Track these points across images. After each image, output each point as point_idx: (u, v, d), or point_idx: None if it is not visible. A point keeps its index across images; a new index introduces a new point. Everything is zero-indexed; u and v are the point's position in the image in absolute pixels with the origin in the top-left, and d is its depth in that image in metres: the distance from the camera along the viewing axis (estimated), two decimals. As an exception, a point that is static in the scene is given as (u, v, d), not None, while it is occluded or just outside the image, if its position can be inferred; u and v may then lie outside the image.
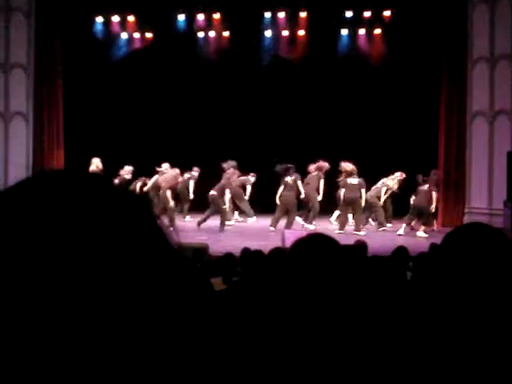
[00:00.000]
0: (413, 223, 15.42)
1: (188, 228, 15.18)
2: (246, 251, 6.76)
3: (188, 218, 16.97)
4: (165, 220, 15.58)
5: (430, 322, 1.68)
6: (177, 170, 15.30)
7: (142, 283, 0.72)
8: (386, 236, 14.20)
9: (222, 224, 15.22)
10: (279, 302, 1.71)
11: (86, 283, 0.70)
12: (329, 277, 1.55)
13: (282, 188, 15.42)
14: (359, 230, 14.65)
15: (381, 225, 15.47)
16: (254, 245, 8.04)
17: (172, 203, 14.88)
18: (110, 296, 0.71)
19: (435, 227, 15.30)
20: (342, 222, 15.16)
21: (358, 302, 1.69)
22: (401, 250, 7.60)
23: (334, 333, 1.62)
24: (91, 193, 0.75)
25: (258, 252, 5.98)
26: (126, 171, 15.91)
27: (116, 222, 0.73)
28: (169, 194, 14.73)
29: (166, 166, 16.08)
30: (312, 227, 15.09)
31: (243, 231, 15.11)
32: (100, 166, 15.87)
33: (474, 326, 1.56)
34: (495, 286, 1.55)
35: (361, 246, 8.69)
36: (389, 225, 15.72)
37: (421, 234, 14.57)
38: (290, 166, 15.58)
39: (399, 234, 14.62)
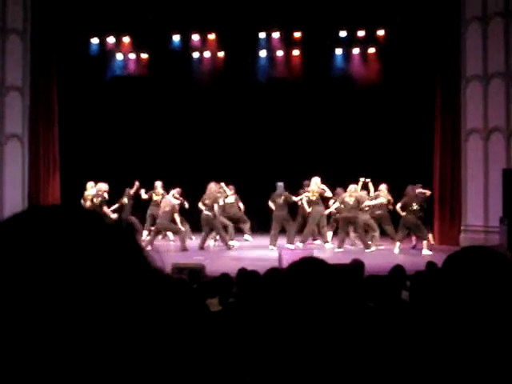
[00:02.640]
0: (413, 241, 15.47)
1: (190, 248, 15.24)
2: (242, 272, 6.74)
3: (193, 237, 16.84)
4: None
5: (426, 344, 1.67)
6: (173, 201, 15.49)
7: (122, 310, 0.75)
8: (384, 254, 14.18)
9: (224, 240, 15.32)
10: (272, 324, 1.70)
11: (69, 317, 0.72)
12: (319, 300, 1.55)
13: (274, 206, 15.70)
14: (368, 248, 14.91)
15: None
16: (251, 265, 8.02)
17: (180, 226, 15.51)
18: (94, 326, 0.73)
19: (431, 241, 15.34)
20: (341, 240, 15.28)
21: (350, 323, 1.69)
22: (397, 269, 7.59)
23: (327, 354, 1.61)
24: (78, 230, 0.78)
25: (254, 273, 5.96)
26: (102, 189, 15.78)
27: (100, 258, 0.76)
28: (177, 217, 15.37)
29: (158, 184, 16.21)
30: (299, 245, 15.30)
31: (241, 251, 15.08)
32: (105, 188, 15.78)
33: (472, 350, 1.55)
34: (495, 311, 1.55)
35: (357, 265, 8.68)
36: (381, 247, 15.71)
37: (426, 251, 14.41)
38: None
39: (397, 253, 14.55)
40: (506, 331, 1.50)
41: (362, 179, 16.10)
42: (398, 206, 15.15)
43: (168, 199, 15.52)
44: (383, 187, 16.10)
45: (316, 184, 15.71)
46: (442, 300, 1.56)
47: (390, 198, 15.98)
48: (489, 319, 1.51)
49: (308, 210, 15.72)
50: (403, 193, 15.23)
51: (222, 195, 16.19)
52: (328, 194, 15.84)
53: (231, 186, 16.89)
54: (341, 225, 15.54)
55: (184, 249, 14.89)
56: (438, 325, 1.62)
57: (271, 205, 15.87)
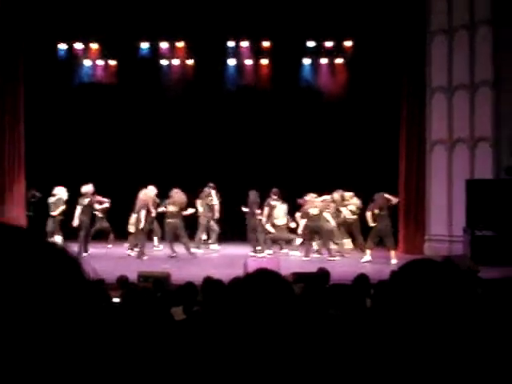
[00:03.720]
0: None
1: (158, 256, 15.23)
2: (207, 280, 6.76)
3: (161, 246, 16.80)
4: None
5: (380, 353, 1.73)
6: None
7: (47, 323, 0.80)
8: (351, 263, 14.23)
9: (188, 249, 15.29)
10: (232, 334, 1.74)
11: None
12: (268, 312, 1.61)
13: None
14: (333, 256, 15.04)
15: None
16: (218, 273, 8.03)
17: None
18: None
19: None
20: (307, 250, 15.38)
21: (303, 333, 1.74)
22: (361, 278, 7.68)
23: (286, 362, 1.66)
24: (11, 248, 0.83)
25: (219, 282, 5.99)
26: (61, 193, 15.72)
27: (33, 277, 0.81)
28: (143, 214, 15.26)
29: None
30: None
31: (208, 259, 15.09)
32: (64, 196, 15.73)
33: (420, 360, 1.61)
34: (439, 320, 1.61)
35: (323, 273, 8.76)
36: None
37: (394, 261, 14.30)
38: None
39: (365, 261, 14.58)
40: (449, 338, 1.57)
41: (335, 194, 16.33)
42: (368, 213, 15.18)
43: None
44: (350, 195, 16.40)
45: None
46: (391, 310, 1.62)
47: (358, 204, 16.24)
48: (433, 328, 1.57)
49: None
50: (370, 200, 15.34)
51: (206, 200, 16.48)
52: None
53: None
54: (306, 234, 15.64)
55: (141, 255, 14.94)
56: (389, 333, 1.68)
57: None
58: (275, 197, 16.34)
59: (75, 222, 15.09)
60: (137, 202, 15.51)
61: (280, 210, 16.37)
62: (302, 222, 15.67)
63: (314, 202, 15.58)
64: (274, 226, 16.32)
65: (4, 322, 0.77)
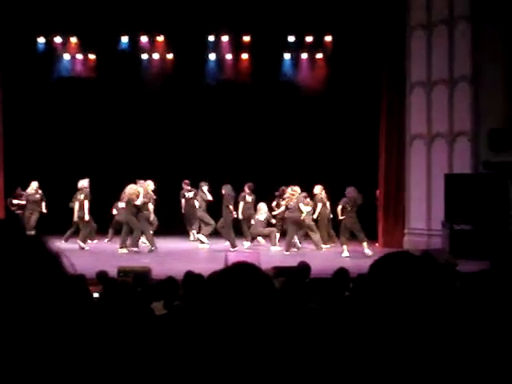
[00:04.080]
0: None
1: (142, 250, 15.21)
2: (188, 274, 6.76)
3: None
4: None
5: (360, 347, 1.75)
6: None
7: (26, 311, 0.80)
8: (329, 257, 14.35)
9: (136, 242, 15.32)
10: (213, 328, 1.75)
11: None
12: (247, 305, 1.62)
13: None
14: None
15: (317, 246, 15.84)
16: (199, 268, 8.02)
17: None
18: None
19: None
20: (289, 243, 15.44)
21: (287, 325, 1.75)
22: (341, 272, 7.73)
23: (265, 356, 1.67)
24: None
25: (199, 276, 6.00)
26: (34, 189, 15.86)
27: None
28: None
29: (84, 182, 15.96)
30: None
31: (189, 254, 15.06)
32: (35, 188, 15.86)
33: (397, 353, 1.63)
34: (416, 313, 1.63)
35: (304, 267, 8.80)
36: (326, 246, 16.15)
37: (368, 251, 14.69)
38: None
39: (346, 257, 14.68)
40: (428, 330, 1.59)
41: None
42: (338, 208, 15.33)
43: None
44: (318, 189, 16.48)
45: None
46: (369, 304, 1.64)
47: (324, 200, 16.32)
48: (412, 321, 1.59)
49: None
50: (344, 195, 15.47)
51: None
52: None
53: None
54: (287, 227, 15.70)
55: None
56: (368, 325, 1.69)
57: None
58: (248, 191, 16.43)
59: (86, 217, 15.26)
60: (123, 196, 15.51)
61: (263, 205, 16.48)
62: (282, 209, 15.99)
63: (294, 195, 15.67)
64: (255, 221, 16.40)
65: None
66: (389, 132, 16.77)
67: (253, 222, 16.37)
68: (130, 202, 15.04)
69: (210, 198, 17.01)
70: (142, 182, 15.63)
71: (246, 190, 16.42)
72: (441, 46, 15.80)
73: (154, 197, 16.06)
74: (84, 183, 15.59)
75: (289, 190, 15.96)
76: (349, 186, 15.37)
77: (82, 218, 15.43)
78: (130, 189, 15.18)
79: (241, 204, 16.19)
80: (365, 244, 14.89)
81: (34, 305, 0.80)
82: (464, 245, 13.85)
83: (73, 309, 0.85)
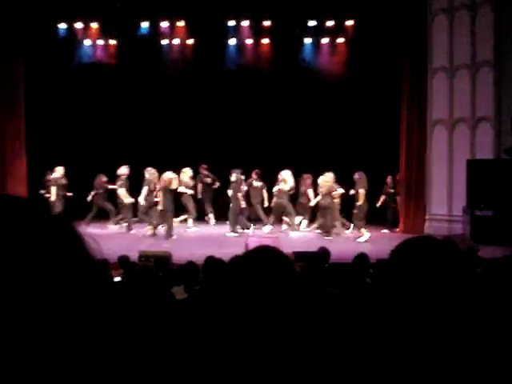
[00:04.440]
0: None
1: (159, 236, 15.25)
2: (209, 259, 6.80)
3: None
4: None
5: (381, 332, 1.75)
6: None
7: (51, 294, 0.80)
8: (349, 242, 14.36)
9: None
10: (232, 312, 1.76)
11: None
12: (271, 288, 1.63)
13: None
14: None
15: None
16: (219, 253, 8.04)
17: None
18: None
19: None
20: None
21: (303, 310, 1.76)
22: (361, 257, 7.72)
23: (285, 339, 1.68)
24: (14, 217, 0.83)
25: (220, 261, 6.03)
26: (60, 173, 16.06)
27: (36, 247, 0.81)
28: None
29: (124, 170, 16.11)
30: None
31: (209, 239, 15.08)
32: (61, 173, 16.05)
33: (419, 339, 1.64)
34: (439, 298, 1.63)
35: (324, 253, 8.81)
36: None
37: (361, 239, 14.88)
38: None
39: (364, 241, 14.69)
40: (449, 316, 1.59)
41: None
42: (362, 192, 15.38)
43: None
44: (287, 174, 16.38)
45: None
46: (390, 289, 1.64)
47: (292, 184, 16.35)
48: (433, 306, 1.59)
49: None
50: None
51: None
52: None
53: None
54: (322, 213, 15.82)
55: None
56: (388, 311, 1.70)
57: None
58: (256, 177, 16.49)
59: (127, 201, 15.80)
60: (146, 182, 15.66)
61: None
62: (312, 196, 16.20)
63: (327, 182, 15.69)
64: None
65: (3, 293, 0.78)
66: (410, 117, 16.67)
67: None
68: (166, 189, 15.12)
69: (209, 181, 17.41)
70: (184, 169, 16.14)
71: (254, 175, 16.53)
72: (463, 31, 15.64)
73: (191, 184, 16.41)
74: (123, 170, 15.89)
75: (322, 177, 15.88)
76: (358, 170, 15.49)
77: (123, 202, 15.75)
78: (166, 176, 15.30)
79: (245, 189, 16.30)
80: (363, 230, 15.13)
81: (56, 286, 0.81)
82: (485, 231, 13.77)
83: (95, 293, 0.86)
